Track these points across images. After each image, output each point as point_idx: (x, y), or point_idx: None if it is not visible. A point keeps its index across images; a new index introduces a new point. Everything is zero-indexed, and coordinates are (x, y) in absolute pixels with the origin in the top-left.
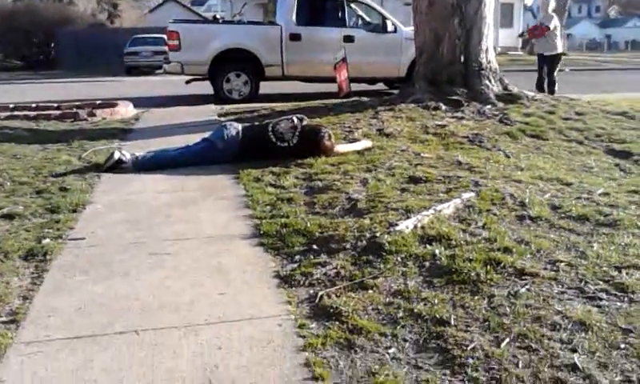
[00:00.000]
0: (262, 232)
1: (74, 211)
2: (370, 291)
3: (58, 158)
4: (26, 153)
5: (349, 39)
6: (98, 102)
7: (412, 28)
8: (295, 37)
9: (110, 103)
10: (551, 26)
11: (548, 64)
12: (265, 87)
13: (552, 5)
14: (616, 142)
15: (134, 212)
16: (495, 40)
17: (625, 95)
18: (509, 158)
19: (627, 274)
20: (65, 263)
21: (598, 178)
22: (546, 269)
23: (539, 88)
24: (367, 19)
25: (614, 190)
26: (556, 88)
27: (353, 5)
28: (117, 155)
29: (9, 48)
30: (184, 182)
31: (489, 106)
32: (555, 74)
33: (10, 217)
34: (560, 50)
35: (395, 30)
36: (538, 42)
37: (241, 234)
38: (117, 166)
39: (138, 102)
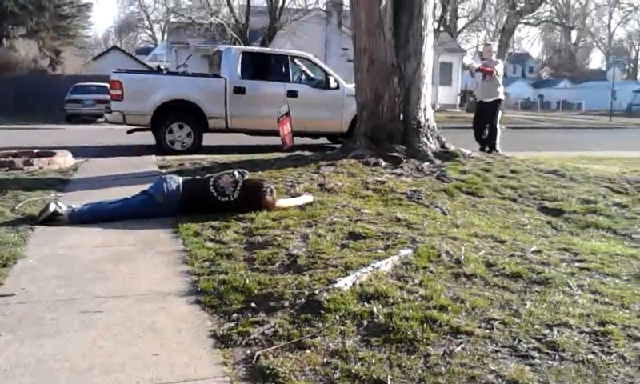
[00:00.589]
0: (199, 289)
1: (4, 266)
2: (308, 351)
3: None
4: None
5: (292, 94)
6: (35, 151)
7: (354, 85)
8: (239, 90)
9: (47, 152)
10: (498, 70)
11: (490, 111)
12: (208, 139)
13: (495, 50)
14: (548, 199)
15: (67, 267)
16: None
17: (556, 153)
18: (445, 214)
19: (558, 331)
20: None
21: (531, 236)
22: (480, 327)
23: (479, 138)
24: (310, 75)
25: (546, 247)
26: (498, 139)
27: (297, 61)
28: (52, 207)
29: None
30: (121, 236)
31: (427, 163)
32: (498, 121)
33: None
34: (502, 96)
35: (338, 87)
36: (480, 89)
37: (177, 291)
38: (52, 219)
39: (78, 152)
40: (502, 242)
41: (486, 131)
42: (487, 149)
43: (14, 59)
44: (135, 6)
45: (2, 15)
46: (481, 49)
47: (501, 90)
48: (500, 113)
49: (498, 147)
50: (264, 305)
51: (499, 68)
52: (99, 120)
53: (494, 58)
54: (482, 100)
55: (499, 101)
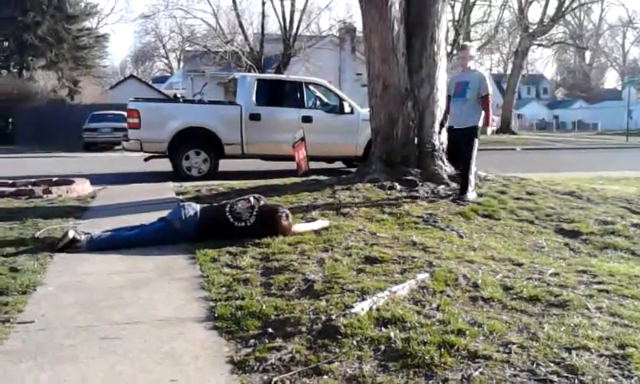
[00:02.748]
0: (216, 315)
1: (24, 293)
2: (325, 377)
3: (9, 237)
4: None
5: (307, 119)
6: (54, 179)
7: (368, 109)
8: (255, 116)
9: (66, 180)
10: (484, 89)
11: (464, 140)
12: (224, 165)
13: (473, 53)
14: (565, 221)
15: (86, 294)
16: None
17: (572, 174)
18: (462, 238)
19: (577, 355)
20: (11, 348)
21: (549, 258)
22: (498, 351)
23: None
24: (325, 100)
25: (564, 269)
26: (472, 180)
27: (311, 86)
28: (71, 234)
29: None
30: (139, 262)
31: (442, 186)
32: (473, 156)
33: None
34: (479, 121)
35: (352, 112)
36: (452, 111)
37: (195, 317)
38: (71, 246)
39: (96, 179)
40: (520, 264)
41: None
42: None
43: (34, 90)
44: (151, 36)
45: (22, 47)
46: (461, 55)
47: (477, 112)
48: (476, 144)
49: (470, 191)
50: (281, 330)
51: (486, 86)
52: (117, 148)
53: (472, 65)
54: (452, 126)
55: (476, 128)
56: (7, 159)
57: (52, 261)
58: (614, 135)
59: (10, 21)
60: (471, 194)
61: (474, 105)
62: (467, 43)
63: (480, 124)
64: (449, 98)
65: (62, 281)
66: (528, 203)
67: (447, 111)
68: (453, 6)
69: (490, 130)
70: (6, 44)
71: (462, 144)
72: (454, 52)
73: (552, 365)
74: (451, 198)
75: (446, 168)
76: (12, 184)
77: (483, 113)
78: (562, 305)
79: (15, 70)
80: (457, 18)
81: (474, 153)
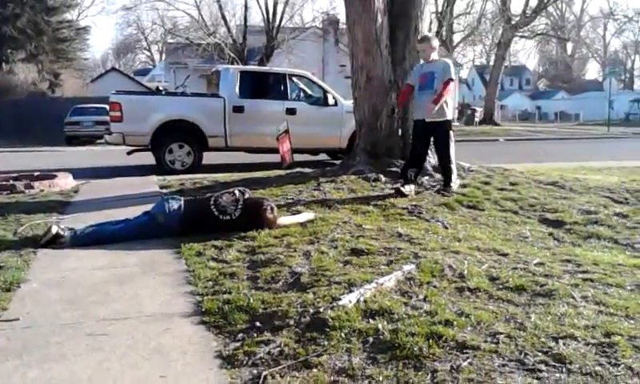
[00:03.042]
0: (203, 309)
1: (8, 290)
2: (315, 370)
3: None
4: None
5: (291, 112)
6: (36, 174)
7: (352, 101)
8: (238, 109)
9: (48, 175)
10: (448, 76)
11: (438, 136)
12: (208, 158)
13: (435, 45)
14: (549, 211)
15: (71, 290)
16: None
17: (555, 165)
18: (447, 228)
19: (564, 344)
20: None
21: (534, 248)
22: (486, 341)
23: (407, 167)
24: (309, 92)
25: (549, 259)
26: (454, 170)
27: (294, 78)
28: (54, 230)
29: None
30: (124, 257)
31: (427, 178)
32: (451, 152)
33: None
34: (450, 115)
35: (336, 104)
36: (417, 103)
37: (182, 312)
38: (54, 241)
39: (78, 173)
40: (505, 254)
41: (430, 160)
42: (410, 181)
43: (14, 83)
44: (133, 28)
45: (1, 40)
46: (422, 47)
47: (450, 105)
48: (452, 135)
49: (453, 180)
50: (269, 324)
51: (450, 73)
52: (99, 141)
53: (435, 55)
54: (422, 119)
55: (449, 121)
56: None
57: (35, 257)
58: (595, 125)
59: None
60: (455, 184)
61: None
62: (428, 34)
63: (451, 116)
64: (408, 86)
65: (47, 277)
66: (512, 194)
67: (403, 100)
68: None
69: (435, 107)
70: None
71: (437, 138)
72: (438, 44)
73: (540, 354)
74: (436, 189)
75: (430, 159)
76: None
77: (448, 99)
78: (548, 294)
79: None
80: (440, 9)
81: (452, 143)
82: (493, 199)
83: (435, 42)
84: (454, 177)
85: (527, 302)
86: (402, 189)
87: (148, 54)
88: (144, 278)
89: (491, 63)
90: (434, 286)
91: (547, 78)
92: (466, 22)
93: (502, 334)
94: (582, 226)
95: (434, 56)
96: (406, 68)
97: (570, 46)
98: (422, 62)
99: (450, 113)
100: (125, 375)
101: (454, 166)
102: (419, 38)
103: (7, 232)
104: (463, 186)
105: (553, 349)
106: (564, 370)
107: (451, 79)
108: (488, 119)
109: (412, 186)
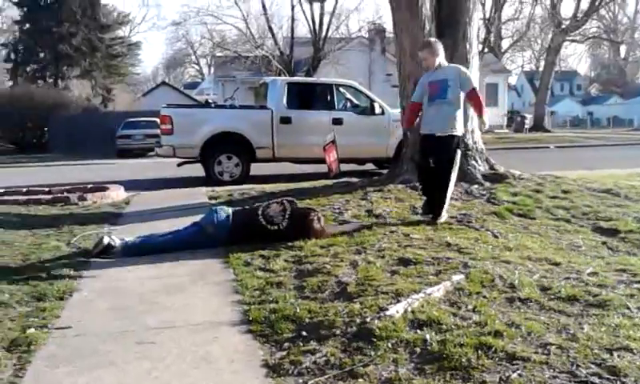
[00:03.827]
0: (250, 319)
1: (61, 299)
2: (361, 380)
3: (46, 244)
4: (14, 239)
5: (338, 122)
6: (89, 186)
7: (399, 110)
8: (285, 120)
9: (100, 187)
10: (468, 83)
11: (442, 153)
12: (255, 169)
13: (439, 49)
14: (603, 219)
15: (121, 299)
16: None
17: (609, 171)
18: (497, 238)
19: (618, 356)
20: (49, 354)
21: (586, 258)
22: (537, 352)
23: (427, 192)
24: (355, 102)
25: (603, 269)
26: (448, 199)
27: (341, 88)
28: (106, 240)
29: (3, 132)
30: (173, 267)
31: (476, 186)
32: (454, 172)
33: None
34: (460, 130)
35: (383, 113)
36: (425, 116)
37: (229, 321)
38: (106, 252)
39: (129, 185)
40: (557, 264)
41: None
42: (428, 213)
43: (69, 99)
44: (182, 42)
45: (57, 58)
46: (423, 55)
47: (460, 117)
48: (458, 158)
49: (444, 213)
50: (315, 333)
51: (470, 80)
52: (150, 154)
53: (442, 60)
54: (432, 133)
55: (457, 138)
56: (43, 167)
57: (88, 267)
58: None
59: (47, 32)
60: (444, 217)
61: (456, 107)
62: (430, 39)
63: (462, 131)
64: (414, 104)
65: (98, 286)
66: (564, 202)
67: (412, 120)
68: (484, 4)
69: (486, 120)
70: (42, 55)
71: (440, 156)
72: (486, 50)
73: (593, 366)
74: (485, 197)
75: (480, 167)
76: (48, 191)
77: (472, 110)
78: (602, 305)
79: (51, 80)
80: (487, 15)
81: (456, 168)
82: (544, 207)
83: (438, 47)
84: (446, 206)
85: (580, 313)
86: (437, 220)
87: (197, 67)
88: (192, 288)
89: (541, 69)
90: (484, 297)
91: (599, 82)
92: (514, 28)
93: (553, 345)
94: (638, 235)
95: (442, 62)
96: None
97: (623, 49)
98: (426, 72)
99: (461, 128)
100: (172, 383)
101: (449, 193)
102: (423, 42)
103: (61, 242)
104: (514, 194)
105: (606, 361)
106: (618, 382)
107: (474, 88)
108: (538, 126)
109: (445, 214)
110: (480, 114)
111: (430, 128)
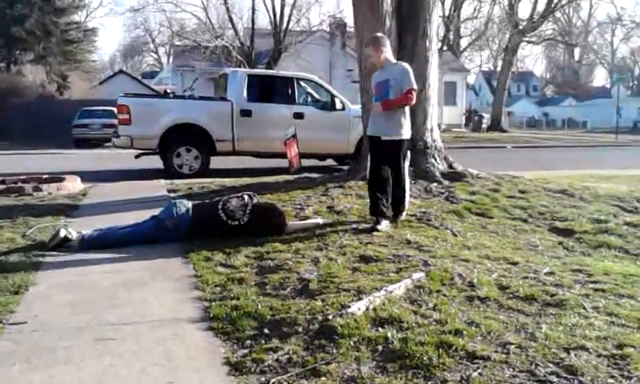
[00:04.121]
0: (211, 315)
1: (16, 293)
2: (323, 378)
3: (0, 236)
4: None
5: (299, 116)
6: (44, 177)
7: (360, 106)
8: (246, 113)
9: (56, 178)
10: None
11: (390, 155)
12: (215, 162)
13: (386, 46)
14: (558, 219)
15: (79, 294)
16: (439, 117)
17: (564, 172)
18: (456, 236)
19: (575, 355)
20: (4, 350)
21: (544, 257)
22: (497, 351)
23: (376, 193)
24: (316, 97)
25: (559, 268)
26: (407, 198)
27: (302, 83)
28: (62, 233)
29: None
30: (131, 261)
31: (435, 184)
32: (406, 172)
33: None
34: (407, 133)
35: (344, 108)
36: (372, 118)
37: (190, 318)
38: (63, 245)
39: (86, 177)
40: (515, 263)
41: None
42: (373, 214)
43: (22, 85)
44: (140, 30)
45: (10, 41)
46: (368, 51)
47: (405, 119)
48: (407, 160)
49: (405, 211)
50: (277, 331)
51: (410, 80)
52: (107, 144)
53: (389, 56)
54: (377, 136)
55: (401, 142)
56: None
57: (44, 260)
58: (603, 133)
59: None
60: (404, 215)
61: (400, 109)
62: (377, 35)
63: (408, 135)
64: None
65: (55, 280)
66: (521, 201)
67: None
68: (443, 2)
69: (380, 109)
70: None
71: (386, 160)
72: (445, 48)
73: (551, 365)
74: (444, 195)
75: (439, 166)
76: (1, 181)
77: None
78: (559, 304)
79: (3, 64)
80: (447, 13)
81: (406, 170)
82: (502, 207)
83: (382, 42)
84: (406, 203)
85: (538, 312)
86: (377, 227)
87: (155, 56)
88: (152, 283)
89: (498, 69)
90: (444, 295)
91: (554, 84)
92: (473, 26)
93: (512, 344)
94: (592, 235)
95: (389, 59)
96: (414, 72)
97: (577, 51)
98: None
99: (407, 131)
100: (132, 380)
101: (407, 195)
102: (372, 38)
103: (16, 235)
104: (472, 192)
105: (564, 360)
106: (575, 381)
107: (413, 89)
108: (495, 126)
109: (387, 222)
110: (385, 104)
111: (374, 130)
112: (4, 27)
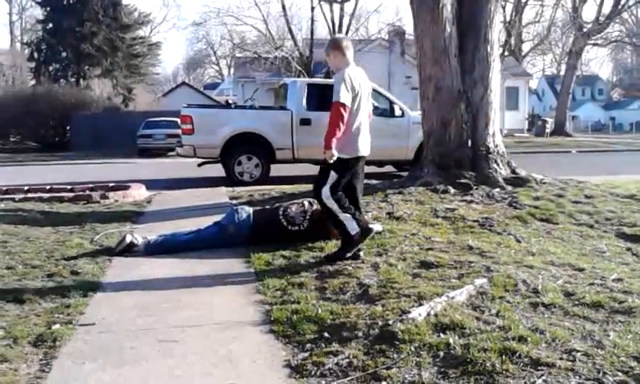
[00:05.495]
0: (272, 319)
1: (85, 296)
2: (384, 382)
3: (70, 241)
4: (38, 235)
5: None
6: (111, 185)
7: (419, 112)
8: (305, 121)
9: (122, 186)
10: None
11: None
12: (276, 170)
13: (347, 46)
14: (626, 225)
15: (144, 297)
16: (501, 122)
17: (632, 177)
18: (520, 242)
19: None
20: (74, 350)
21: (611, 263)
22: (562, 359)
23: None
24: (375, 104)
25: (628, 275)
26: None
27: None
28: (128, 239)
29: (26, 131)
30: (195, 266)
31: (497, 190)
32: (329, 206)
33: (20, 301)
34: (345, 153)
35: (403, 115)
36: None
37: (251, 321)
38: (128, 250)
39: (151, 185)
40: (581, 269)
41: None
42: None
43: (90, 98)
44: (202, 43)
45: (79, 57)
46: (326, 54)
47: (345, 135)
48: (331, 181)
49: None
50: (337, 335)
51: (336, 91)
52: (170, 154)
53: (338, 60)
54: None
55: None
56: (65, 165)
57: (110, 264)
58: None
59: (69, 31)
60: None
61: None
62: (339, 36)
63: (346, 154)
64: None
65: (121, 284)
66: (587, 207)
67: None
68: (504, 7)
69: (332, 152)
70: (64, 54)
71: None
72: (506, 53)
73: (620, 374)
74: (507, 201)
75: (501, 171)
76: (71, 189)
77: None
78: (627, 312)
79: (73, 79)
80: (508, 18)
81: (331, 202)
82: (567, 212)
83: (339, 45)
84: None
85: (605, 320)
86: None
87: (217, 68)
88: (215, 287)
89: (562, 73)
90: (507, 301)
91: (622, 87)
92: (535, 31)
93: (578, 351)
94: None
95: (341, 65)
96: (476, 78)
97: None
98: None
99: (345, 148)
100: (195, 381)
101: (348, 223)
102: (332, 40)
103: (84, 240)
104: (536, 198)
105: (634, 369)
106: None
107: (339, 103)
108: (559, 130)
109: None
110: (326, 141)
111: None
112: (74, 44)
